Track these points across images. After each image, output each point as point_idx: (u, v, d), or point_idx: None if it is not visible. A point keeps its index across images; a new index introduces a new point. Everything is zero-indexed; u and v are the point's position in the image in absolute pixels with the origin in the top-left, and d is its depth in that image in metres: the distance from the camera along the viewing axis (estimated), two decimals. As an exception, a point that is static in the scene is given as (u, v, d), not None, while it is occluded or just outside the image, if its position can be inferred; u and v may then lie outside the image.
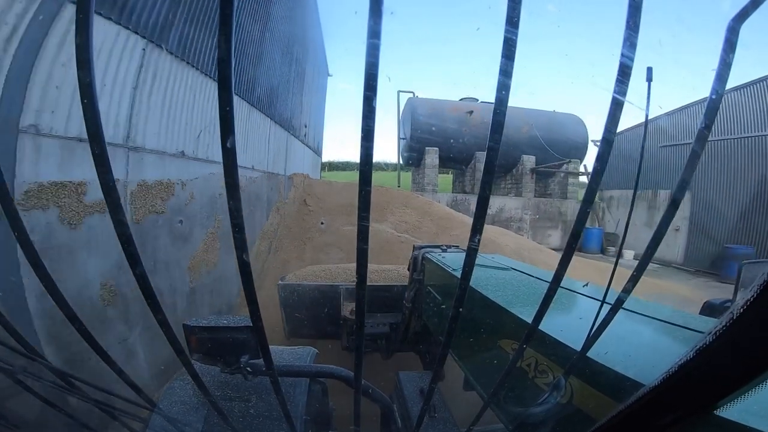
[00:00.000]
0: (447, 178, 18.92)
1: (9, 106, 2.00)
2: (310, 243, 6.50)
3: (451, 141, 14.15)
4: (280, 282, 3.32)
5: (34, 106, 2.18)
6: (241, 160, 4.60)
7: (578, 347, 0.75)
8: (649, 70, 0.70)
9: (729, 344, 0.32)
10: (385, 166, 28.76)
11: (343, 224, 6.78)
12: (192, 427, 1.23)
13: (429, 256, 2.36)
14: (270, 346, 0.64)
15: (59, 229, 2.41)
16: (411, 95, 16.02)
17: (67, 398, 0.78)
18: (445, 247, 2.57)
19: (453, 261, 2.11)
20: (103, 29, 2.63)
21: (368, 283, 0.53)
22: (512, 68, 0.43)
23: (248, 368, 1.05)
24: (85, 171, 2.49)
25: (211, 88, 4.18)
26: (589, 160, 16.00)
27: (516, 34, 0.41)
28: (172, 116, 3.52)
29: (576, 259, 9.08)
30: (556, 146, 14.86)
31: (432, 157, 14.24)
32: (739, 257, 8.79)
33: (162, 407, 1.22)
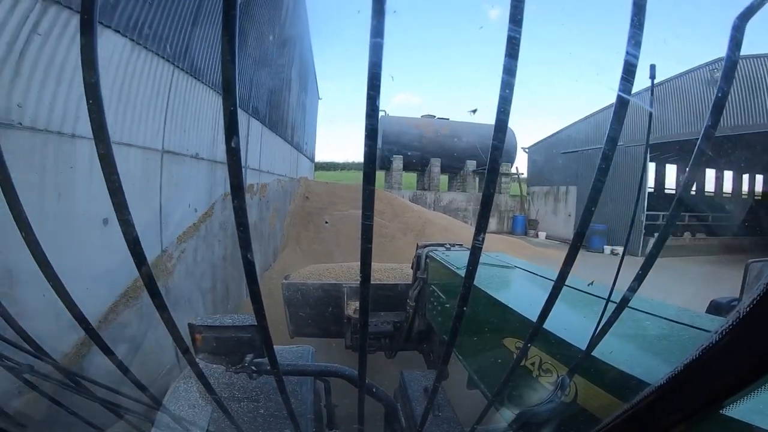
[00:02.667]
0: (413, 177, 22.90)
1: (245, 162, 5.27)
2: (312, 223, 9.81)
3: (412, 150, 18.57)
4: (284, 281, 3.31)
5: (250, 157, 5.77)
6: (284, 171, 8.76)
7: (583, 346, 0.74)
8: (653, 67, 0.69)
9: (735, 343, 0.32)
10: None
11: (333, 210, 10.13)
12: (198, 426, 1.24)
13: (433, 255, 2.35)
14: None
15: (249, 201, 5.41)
16: (383, 113, 19.32)
17: (74, 397, 0.79)
18: (448, 246, 2.56)
19: (457, 259, 2.11)
20: (245, 117, 5.58)
21: (372, 282, 0.53)
22: (516, 67, 0.42)
23: (253, 367, 1.05)
24: (254, 178, 6.07)
25: (282, 141, 8.60)
26: (519, 163, 20.97)
27: (519, 33, 0.41)
28: (270, 154, 7.44)
29: (500, 238, 11.82)
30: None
31: (398, 162, 18.57)
32: (597, 232, 13.25)
33: (168, 406, 1.22)
